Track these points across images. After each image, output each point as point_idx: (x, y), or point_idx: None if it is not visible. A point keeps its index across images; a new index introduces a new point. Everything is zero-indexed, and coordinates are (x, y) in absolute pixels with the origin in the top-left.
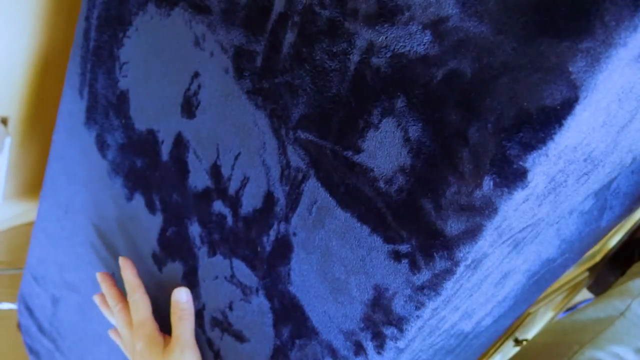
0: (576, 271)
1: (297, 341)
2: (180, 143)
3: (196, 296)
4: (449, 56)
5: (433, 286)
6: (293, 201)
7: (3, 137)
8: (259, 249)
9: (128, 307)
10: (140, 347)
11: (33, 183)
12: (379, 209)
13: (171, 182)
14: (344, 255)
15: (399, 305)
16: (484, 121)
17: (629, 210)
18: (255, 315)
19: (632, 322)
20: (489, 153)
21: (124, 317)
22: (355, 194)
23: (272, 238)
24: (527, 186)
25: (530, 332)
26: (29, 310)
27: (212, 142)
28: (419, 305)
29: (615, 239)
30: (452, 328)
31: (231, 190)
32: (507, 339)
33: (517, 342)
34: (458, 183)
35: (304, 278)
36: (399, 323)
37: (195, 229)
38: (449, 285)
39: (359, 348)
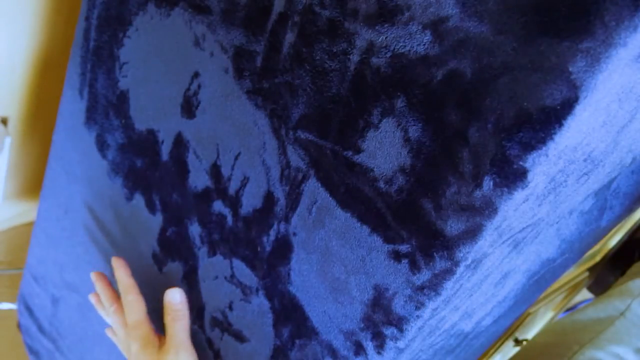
0: (576, 271)
1: (297, 341)
2: (180, 143)
3: (196, 296)
4: (449, 56)
5: (433, 286)
6: (293, 201)
7: (3, 137)
8: (259, 249)
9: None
10: (135, 348)
11: (33, 183)
12: (379, 209)
13: (171, 182)
14: (344, 255)
15: (399, 305)
16: (484, 121)
17: (629, 210)
18: (255, 315)
19: (632, 322)
20: (489, 153)
21: (119, 317)
22: (355, 194)
23: (272, 238)
24: (527, 186)
25: (530, 332)
26: (29, 310)
27: (212, 142)
28: (419, 305)
29: (615, 239)
30: (452, 328)
31: (231, 190)
32: (507, 339)
33: (517, 342)
34: (458, 183)
35: (304, 278)
36: (399, 323)
37: (195, 229)
38: (449, 285)
39: (359, 348)
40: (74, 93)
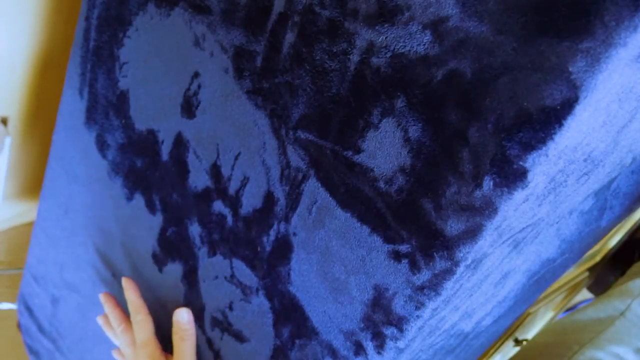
0: (576, 271)
1: (297, 341)
2: (180, 143)
3: (196, 296)
4: (449, 56)
5: (433, 286)
6: (293, 201)
7: (3, 137)
8: (259, 249)
9: (131, 327)
10: None
11: (33, 183)
12: (379, 209)
13: (171, 182)
14: (344, 255)
15: (399, 305)
16: (484, 121)
17: (629, 210)
18: (255, 315)
19: (632, 322)
20: (489, 153)
21: (128, 337)
22: (355, 194)
23: (272, 238)
24: (527, 186)
25: (530, 332)
26: (29, 310)
27: (212, 142)
28: (419, 305)
29: (615, 239)
30: (452, 328)
31: (231, 190)
32: (507, 339)
33: (517, 342)
34: (458, 183)
35: (304, 278)
36: (399, 323)
37: (195, 229)
38: (449, 285)
39: (359, 348)
40: (74, 93)
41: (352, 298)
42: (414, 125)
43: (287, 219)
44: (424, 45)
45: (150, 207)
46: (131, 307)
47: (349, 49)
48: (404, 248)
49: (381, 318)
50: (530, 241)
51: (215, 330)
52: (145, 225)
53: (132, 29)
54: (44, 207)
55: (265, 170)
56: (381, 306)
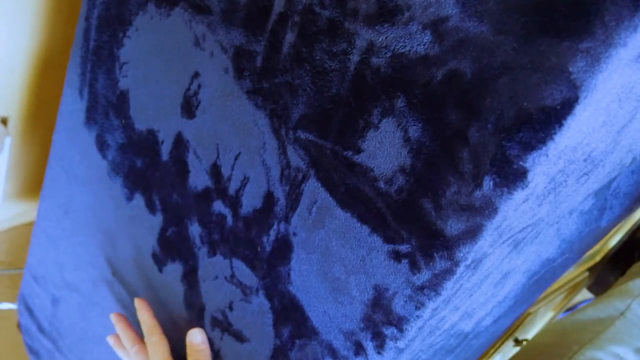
0: (576, 271)
1: (297, 341)
2: (180, 143)
3: (196, 296)
4: (449, 56)
5: (433, 286)
6: (293, 201)
7: (3, 137)
8: (259, 249)
9: (145, 348)
10: None
11: (33, 183)
12: (379, 209)
13: (171, 182)
14: (344, 255)
15: (399, 305)
16: (484, 121)
17: (629, 210)
18: (255, 315)
19: (632, 322)
20: (489, 153)
21: (141, 358)
22: (355, 194)
23: (272, 238)
24: (527, 186)
25: (530, 332)
26: (29, 310)
27: (212, 142)
28: (419, 305)
29: (615, 239)
30: (452, 328)
31: (231, 190)
32: (507, 339)
33: (517, 342)
34: (458, 183)
35: (304, 278)
36: (399, 323)
37: (195, 229)
38: (449, 285)
39: (359, 348)
40: (74, 93)
41: (352, 298)
42: (414, 125)
43: (287, 219)
44: (424, 45)
45: (150, 207)
46: (145, 327)
47: (349, 49)
48: (404, 248)
49: (381, 318)
50: (530, 241)
51: (215, 330)
52: (145, 225)
53: (132, 29)
54: (44, 207)
55: (265, 170)
56: (381, 306)
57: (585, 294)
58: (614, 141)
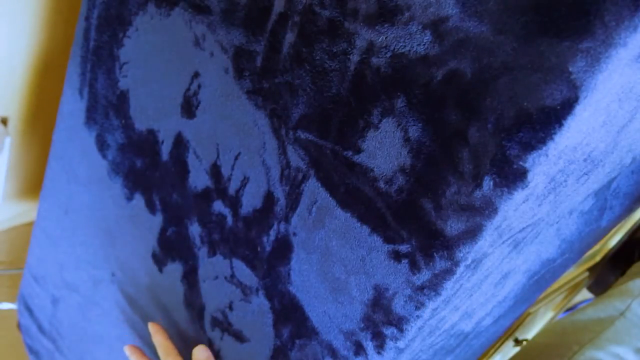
0: (576, 271)
1: (297, 341)
2: (180, 143)
3: (196, 296)
4: (449, 56)
5: (433, 286)
6: (293, 201)
7: (3, 137)
8: (259, 249)
9: None
10: None
11: (33, 183)
12: (379, 209)
13: (171, 182)
14: (344, 255)
15: (399, 305)
16: (484, 121)
17: (629, 210)
18: (255, 315)
19: (632, 322)
20: (489, 153)
21: None
22: (355, 194)
23: (272, 238)
24: (527, 186)
25: (530, 332)
26: (29, 310)
27: (212, 142)
28: (419, 305)
29: (615, 239)
30: (452, 328)
31: (231, 190)
32: (507, 339)
33: (517, 342)
34: (458, 183)
35: (304, 278)
36: (399, 323)
37: (195, 229)
38: (449, 285)
39: (359, 348)
40: (74, 93)
41: (352, 298)
42: (414, 125)
43: (287, 219)
44: (424, 45)
45: (150, 207)
46: (161, 350)
47: (349, 49)
48: (404, 248)
49: (381, 318)
50: (530, 241)
51: (215, 330)
52: (145, 225)
53: (132, 29)
54: (44, 207)
55: (265, 170)
56: (381, 306)
57: (585, 294)
58: (614, 141)
